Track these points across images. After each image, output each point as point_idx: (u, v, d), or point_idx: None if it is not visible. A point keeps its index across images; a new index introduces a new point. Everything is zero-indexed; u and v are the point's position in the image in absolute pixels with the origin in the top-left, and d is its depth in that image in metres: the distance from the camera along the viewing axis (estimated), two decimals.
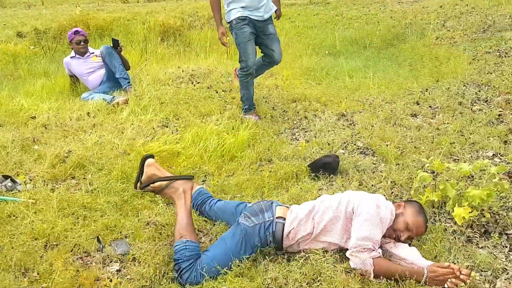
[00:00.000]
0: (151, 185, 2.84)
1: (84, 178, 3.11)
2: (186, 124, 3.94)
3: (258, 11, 3.86)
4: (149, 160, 2.88)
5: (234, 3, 3.82)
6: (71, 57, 5.16)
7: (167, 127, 3.95)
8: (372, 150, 3.53)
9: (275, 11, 4.21)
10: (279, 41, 4.16)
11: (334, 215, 2.27)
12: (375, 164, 3.33)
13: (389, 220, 2.24)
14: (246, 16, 3.82)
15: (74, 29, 5.24)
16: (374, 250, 2.12)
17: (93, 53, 5.16)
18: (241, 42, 3.84)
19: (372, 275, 2.09)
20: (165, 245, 2.44)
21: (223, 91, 4.90)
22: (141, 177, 2.88)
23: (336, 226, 2.27)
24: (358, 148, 3.58)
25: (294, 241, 2.31)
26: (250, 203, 2.59)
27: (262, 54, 4.16)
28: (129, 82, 4.90)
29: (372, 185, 3.03)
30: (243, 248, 2.26)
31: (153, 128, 3.86)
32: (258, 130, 3.75)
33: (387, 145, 3.53)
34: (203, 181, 3.18)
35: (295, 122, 4.14)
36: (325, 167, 3.17)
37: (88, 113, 4.22)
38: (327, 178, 3.13)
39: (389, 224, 2.24)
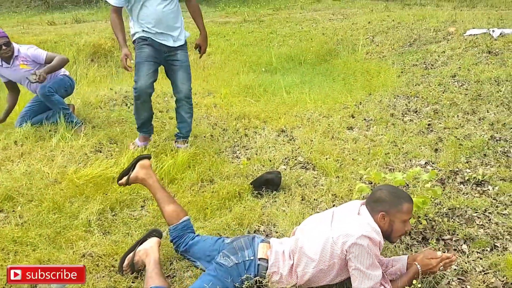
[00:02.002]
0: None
1: (13, 211, 2.91)
2: (121, 148, 3.79)
3: (163, 36, 3.55)
4: (145, 162, 2.69)
5: (137, 24, 3.56)
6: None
7: (100, 152, 3.77)
8: (312, 164, 3.57)
9: (199, 47, 3.84)
10: (187, 71, 3.70)
11: (318, 269, 2.07)
12: (316, 178, 3.37)
13: (381, 245, 2.05)
14: (148, 37, 3.54)
15: None
16: None
17: (18, 56, 4.22)
18: (137, 62, 3.53)
19: None
20: (103, 277, 2.30)
21: (159, 111, 4.78)
22: (131, 173, 2.68)
23: (324, 275, 2.09)
24: (299, 163, 3.61)
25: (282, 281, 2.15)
26: (228, 238, 2.42)
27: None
28: (77, 122, 4.28)
29: (314, 199, 3.05)
30: None
31: (86, 154, 3.67)
32: (198, 150, 3.68)
33: (326, 158, 3.59)
34: (141, 206, 3.05)
35: (235, 140, 4.11)
36: (268, 184, 3.16)
37: (15, 141, 3.95)
38: (270, 194, 3.12)
39: (381, 245, 2.06)
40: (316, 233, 2.12)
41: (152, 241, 2.42)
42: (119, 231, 2.71)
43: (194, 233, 2.51)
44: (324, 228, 2.11)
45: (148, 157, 2.76)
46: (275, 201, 3.06)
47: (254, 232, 2.72)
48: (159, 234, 2.51)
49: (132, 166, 2.70)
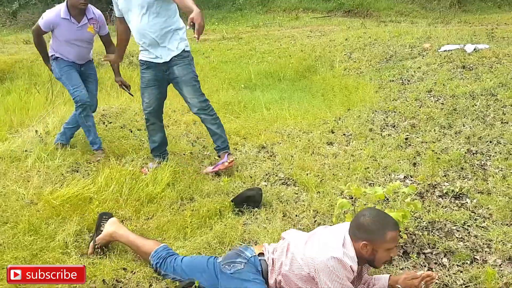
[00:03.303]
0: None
1: None
2: (98, 167, 3.72)
3: (155, 50, 3.41)
4: (113, 219, 2.69)
5: (139, 44, 3.50)
6: (63, 18, 3.74)
7: (77, 171, 3.69)
8: (293, 180, 3.57)
9: (193, 24, 2.93)
10: (191, 84, 3.51)
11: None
12: (297, 194, 3.36)
13: (353, 269, 2.01)
14: (146, 61, 3.50)
15: None
16: None
17: (91, 18, 3.86)
18: (141, 88, 3.59)
19: None
20: None
21: (138, 129, 4.74)
22: (98, 234, 2.64)
23: None
24: (280, 179, 3.60)
25: (279, 274, 2.18)
26: (218, 257, 2.39)
27: None
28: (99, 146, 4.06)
29: (296, 215, 3.04)
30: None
31: (62, 174, 3.59)
32: (177, 168, 3.63)
33: (307, 174, 3.59)
34: None
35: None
36: (249, 201, 3.14)
37: None
38: (251, 211, 3.09)
39: (354, 269, 2.02)
40: (298, 256, 2.13)
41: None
42: (96, 253, 2.64)
43: (177, 255, 2.47)
44: (304, 251, 2.13)
45: (111, 215, 2.75)
46: (256, 218, 3.03)
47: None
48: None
49: (96, 231, 2.66)
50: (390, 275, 2.23)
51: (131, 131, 4.66)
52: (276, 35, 10.30)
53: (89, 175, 3.58)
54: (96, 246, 2.61)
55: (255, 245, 2.40)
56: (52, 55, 3.96)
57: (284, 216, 3.03)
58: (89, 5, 3.85)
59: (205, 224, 2.95)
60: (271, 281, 2.19)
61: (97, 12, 3.93)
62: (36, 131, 4.46)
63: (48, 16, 3.78)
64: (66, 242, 2.71)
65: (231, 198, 3.19)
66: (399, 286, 2.11)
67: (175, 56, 3.44)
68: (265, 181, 3.58)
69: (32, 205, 3.09)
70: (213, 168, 3.68)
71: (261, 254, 2.25)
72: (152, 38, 3.37)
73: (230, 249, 2.69)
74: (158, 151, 3.79)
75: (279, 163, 3.87)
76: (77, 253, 2.61)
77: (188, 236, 2.82)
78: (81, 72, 4.04)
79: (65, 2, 3.77)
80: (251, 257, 2.22)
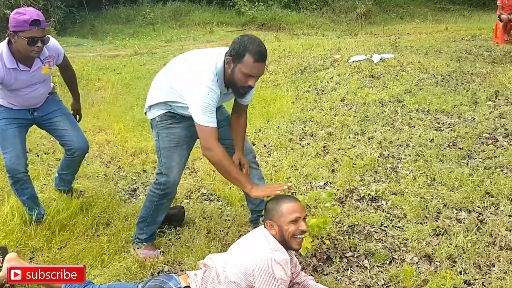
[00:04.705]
0: None
1: None
2: (3, 196, 3.38)
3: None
4: (12, 254, 2.40)
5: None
6: (10, 68, 2.67)
7: None
8: (216, 195, 3.51)
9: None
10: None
11: None
12: (221, 209, 3.30)
13: (286, 261, 2.03)
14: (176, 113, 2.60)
15: (29, 13, 2.57)
16: None
17: (47, 57, 2.82)
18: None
19: None
20: None
21: (45, 153, 4.42)
22: None
23: None
24: (202, 195, 3.52)
25: None
26: (137, 284, 2.23)
27: None
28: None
29: (221, 231, 2.97)
30: None
31: None
32: (91, 192, 3.41)
33: (230, 188, 3.54)
34: (30, 258, 2.72)
35: (133, 177, 3.90)
36: (171, 220, 3.01)
37: None
38: (173, 231, 2.97)
39: (287, 260, 2.04)
40: (231, 276, 2.04)
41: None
42: None
43: (94, 284, 2.28)
44: (234, 268, 2.05)
45: (6, 250, 2.51)
46: (179, 237, 2.92)
47: (158, 273, 2.56)
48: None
49: None
50: None
51: (38, 156, 4.33)
52: (191, 49, 10.23)
53: None
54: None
55: (180, 273, 2.24)
56: None
57: (208, 233, 2.95)
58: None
59: (123, 249, 2.78)
60: None
61: (52, 43, 2.80)
62: None
63: None
64: None
65: None
66: None
67: None
68: (187, 198, 3.48)
69: None
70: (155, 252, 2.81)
71: (188, 287, 2.12)
72: None
73: (152, 274, 2.55)
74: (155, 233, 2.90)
75: (201, 179, 3.79)
76: None
77: (106, 263, 2.64)
78: (36, 120, 3.01)
79: (5, 46, 2.67)
80: None
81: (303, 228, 2.09)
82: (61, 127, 3.04)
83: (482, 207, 2.98)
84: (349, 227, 2.92)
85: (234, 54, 2.28)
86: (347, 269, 2.52)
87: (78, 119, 3.29)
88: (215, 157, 2.35)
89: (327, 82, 6.45)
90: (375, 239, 2.78)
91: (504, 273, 2.35)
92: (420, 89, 5.55)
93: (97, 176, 3.87)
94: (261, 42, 2.32)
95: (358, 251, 2.66)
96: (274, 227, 2.08)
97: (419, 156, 3.88)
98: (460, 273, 2.37)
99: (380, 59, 6.86)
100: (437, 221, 2.90)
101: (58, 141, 3.15)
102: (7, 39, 2.66)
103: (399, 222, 2.95)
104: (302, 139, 4.59)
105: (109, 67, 8.55)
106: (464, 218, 2.90)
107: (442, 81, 5.79)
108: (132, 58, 9.52)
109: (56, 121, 3.03)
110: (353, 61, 7.05)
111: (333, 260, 2.58)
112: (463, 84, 5.64)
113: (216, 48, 2.51)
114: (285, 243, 2.08)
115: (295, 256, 2.35)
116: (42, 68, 2.82)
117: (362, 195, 3.31)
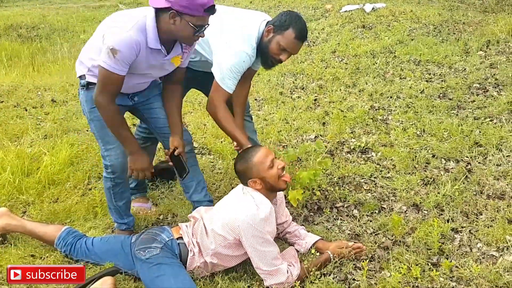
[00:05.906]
0: None
1: None
2: None
3: None
4: (2, 209, 2.40)
5: None
6: (152, 48, 2.08)
7: None
8: (208, 149, 3.51)
9: None
10: None
11: (224, 245, 2.08)
12: (212, 162, 3.32)
13: (272, 215, 2.06)
14: None
15: None
16: (284, 268, 2.02)
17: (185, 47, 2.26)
18: None
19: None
20: None
21: (33, 107, 4.34)
22: None
23: (232, 252, 2.10)
24: (194, 149, 3.51)
25: (203, 258, 2.11)
26: (131, 236, 2.26)
27: None
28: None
29: (213, 184, 3.00)
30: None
31: None
32: (82, 145, 3.39)
33: (221, 142, 3.55)
34: (23, 212, 2.74)
35: None
36: (164, 173, 3.03)
37: None
38: (166, 184, 2.99)
39: (272, 213, 2.07)
40: (218, 229, 2.09)
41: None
42: None
43: (88, 237, 2.32)
44: (221, 221, 2.09)
45: None
46: (172, 191, 2.95)
47: (152, 225, 2.60)
48: (113, 272, 2.16)
49: None
50: (321, 238, 2.30)
51: (26, 110, 4.26)
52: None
53: None
54: None
55: (173, 225, 2.27)
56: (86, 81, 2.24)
57: None
58: None
59: None
60: (198, 264, 2.11)
61: None
62: None
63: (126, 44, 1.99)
64: None
65: None
66: (330, 252, 2.18)
67: None
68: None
69: None
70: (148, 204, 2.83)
71: (180, 238, 2.15)
72: None
73: (146, 226, 2.59)
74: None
75: (192, 133, 3.76)
76: None
77: (99, 216, 2.67)
78: (135, 105, 2.42)
79: (153, 21, 2.05)
80: (168, 240, 2.12)
81: (281, 165, 2.14)
82: (162, 115, 2.43)
83: (471, 157, 3.03)
84: (339, 178, 2.96)
85: (278, 24, 2.30)
86: (337, 219, 2.58)
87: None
88: (218, 114, 2.41)
89: (318, 33, 6.34)
90: (365, 189, 2.83)
91: (491, 221, 2.41)
92: (412, 40, 5.48)
93: (87, 130, 3.84)
94: (306, 24, 2.38)
95: (348, 201, 2.71)
96: (258, 182, 2.10)
97: (409, 107, 3.89)
98: (448, 221, 2.44)
99: (372, 9, 6.72)
100: (425, 171, 2.95)
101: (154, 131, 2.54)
102: (154, 13, 2.04)
103: (388, 173, 2.99)
104: (293, 92, 4.56)
105: (94, 19, 8.32)
106: (452, 168, 2.95)
107: (434, 31, 5.71)
108: (117, 9, 9.23)
109: (156, 107, 2.44)
110: (345, 11, 6.90)
111: (324, 210, 2.64)
112: (454, 34, 5.57)
113: (261, 13, 2.50)
114: (274, 189, 2.14)
115: (287, 207, 2.41)
116: (175, 58, 2.23)
117: (352, 147, 3.34)
